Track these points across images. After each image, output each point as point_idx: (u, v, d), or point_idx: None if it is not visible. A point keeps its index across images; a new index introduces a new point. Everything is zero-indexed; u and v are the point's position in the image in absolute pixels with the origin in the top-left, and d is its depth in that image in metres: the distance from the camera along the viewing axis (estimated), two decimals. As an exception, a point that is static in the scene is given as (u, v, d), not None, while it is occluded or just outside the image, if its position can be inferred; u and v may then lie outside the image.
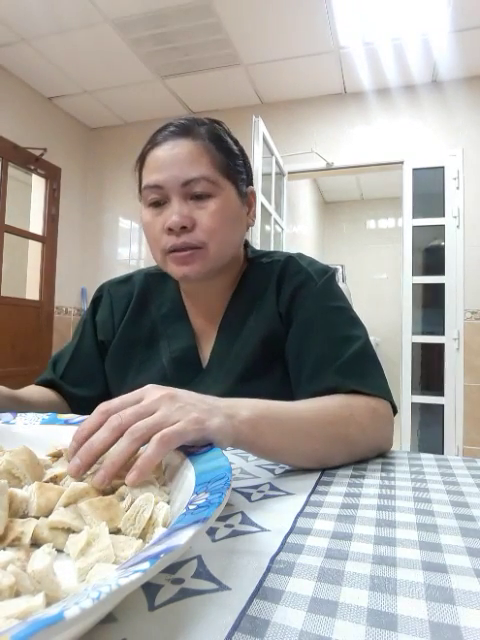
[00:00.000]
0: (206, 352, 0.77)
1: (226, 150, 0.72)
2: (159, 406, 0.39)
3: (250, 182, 0.78)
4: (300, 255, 0.80)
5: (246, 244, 0.83)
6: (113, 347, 0.82)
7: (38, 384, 0.83)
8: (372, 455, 0.59)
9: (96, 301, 0.87)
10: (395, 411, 0.67)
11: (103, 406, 0.40)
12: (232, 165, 0.72)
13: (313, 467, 0.54)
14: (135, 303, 0.83)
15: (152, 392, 0.41)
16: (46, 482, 0.37)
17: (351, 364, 0.65)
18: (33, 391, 0.77)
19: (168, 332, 0.79)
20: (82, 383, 0.82)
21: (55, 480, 0.38)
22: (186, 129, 0.70)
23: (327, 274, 0.75)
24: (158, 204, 0.70)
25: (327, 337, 0.68)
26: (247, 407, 0.47)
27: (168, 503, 0.34)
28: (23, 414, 0.54)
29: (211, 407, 0.42)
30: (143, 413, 0.38)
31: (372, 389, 0.63)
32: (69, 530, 0.31)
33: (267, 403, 0.50)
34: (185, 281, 0.74)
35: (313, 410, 0.54)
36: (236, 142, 0.76)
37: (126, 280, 0.87)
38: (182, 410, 0.39)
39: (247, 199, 0.76)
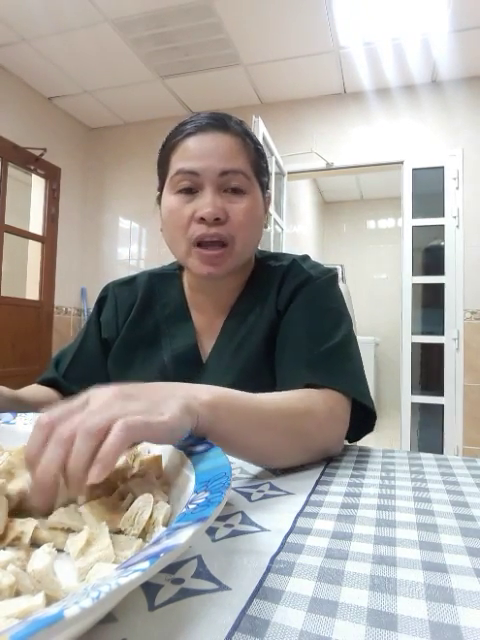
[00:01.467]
0: (207, 350, 0.77)
1: (258, 150, 0.73)
2: (111, 403, 0.35)
3: (268, 186, 0.79)
4: (305, 258, 0.80)
5: None
6: (116, 345, 0.82)
7: (40, 383, 0.83)
8: (322, 456, 0.58)
9: (101, 301, 0.88)
10: (372, 411, 0.65)
11: (44, 418, 0.33)
12: (261, 166, 0.73)
13: (265, 463, 0.53)
14: (139, 304, 0.83)
15: (98, 394, 0.37)
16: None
17: (321, 360, 0.64)
18: (35, 391, 0.77)
19: (171, 331, 0.80)
20: (84, 382, 0.81)
21: None
22: (222, 122, 0.70)
23: (326, 275, 0.76)
24: (188, 192, 0.68)
25: (307, 334, 0.68)
26: (207, 391, 0.45)
27: (168, 503, 0.34)
28: (23, 414, 0.54)
29: (168, 393, 0.40)
30: (93, 414, 0.34)
31: (336, 385, 0.61)
32: (69, 530, 0.31)
33: (225, 390, 0.49)
34: (208, 279, 0.72)
35: (273, 402, 0.53)
36: (261, 145, 0.77)
37: (130, 281, 0.87)
38: (135, 402, 0.36)
39: (265, 202, 0.77)
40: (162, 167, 0.75)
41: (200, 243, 0.68)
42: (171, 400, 0.38)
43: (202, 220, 0.66)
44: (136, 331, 0.81)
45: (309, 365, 0.64)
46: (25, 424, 0.51)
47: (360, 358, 0.69)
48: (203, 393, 0.44)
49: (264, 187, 0.75)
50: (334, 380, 0.62)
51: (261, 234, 0.77)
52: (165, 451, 0.41)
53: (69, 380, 0.82)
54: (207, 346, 0.78)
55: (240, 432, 0.47)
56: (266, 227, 0.79)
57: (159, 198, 0.76)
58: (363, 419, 0.66)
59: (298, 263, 0.78)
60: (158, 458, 0.40)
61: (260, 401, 0.52)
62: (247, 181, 0.69)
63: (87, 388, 0.39)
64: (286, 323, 0.72)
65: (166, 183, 0.72)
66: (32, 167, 3.45)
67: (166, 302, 0.82)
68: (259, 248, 0.84)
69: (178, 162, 0.69)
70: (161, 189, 0.75)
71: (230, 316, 0.77)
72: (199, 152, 0.67)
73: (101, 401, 0.35)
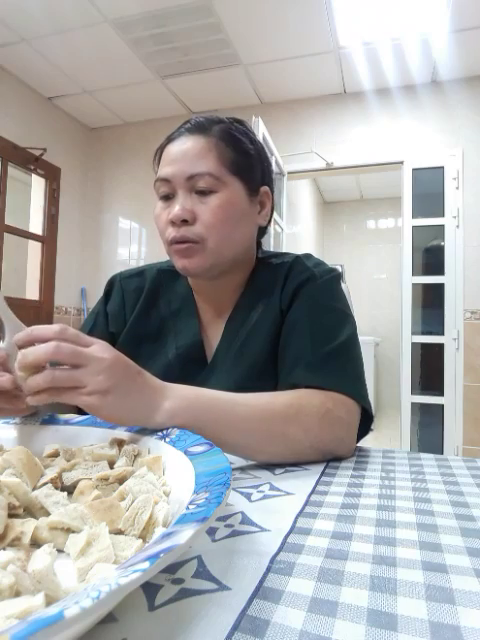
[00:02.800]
0: (212, 349, 0.77)
1: (237, 148, 0.72)
2: (89, 363, 0.43)
3: (266, 182, 0.77)
4: (308, 256, 0.80)
5: (258, 245, 0.83)
6: (121, 340, 0.82)
7: None
8: (322, 458, 0.58)
9: (108, 293, 0.87)
10: (369, 414, 0.65)
11: (60, 327, 0.44)
12: (243, 163, 0.72)
13: (252, 459, 0.56)
14: (146, 298, 0.83)
15: (99, 350, 0.45)
16: (45, 483, 0.37)
17: (322, 361, 0.64)
18: None
19: (176, 328, 0.80)
20: None
21: (55, 482, 0.38)
22: (200, 126, 0.71)
23: (330, 274, 0.75)
24: (168, 197, 0.71)
25: (309, 334, 0.68)
26: (174, 396, 0.49)
27: (168, 503, 0.34)
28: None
29: (132, 390, 0.46)
30: (77, 357, 0.43)
31: (338, 387, 0.61)
32: (69, 530, 0.31)
33: (198, 392, 0.52)
34: (186, 274, 0.74)
35: (251, 406, 0.54)
36: (253, 142, 0.76)
37: (138, 274, 0.87)
38: (101, 377, 0.43)
39: (259, 198, 0.76)
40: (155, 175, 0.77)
41: (174, 243, 0.70)
42: (128, 399, 0.46)
43: (173, 223, 0.69)
44: (142, 326, 0.81)
45: (311, 366, 0.64)
46: (24, 424, 0.51)
47: (362, 359, 0.69)
48: (167, 400, 0.49)
49: (253, 183, 0.74)
50: (336, 383, 0.62)
51: (250, 230, 0.75)
52: (165, 451, 0.42)
53: None
54: (212, 345, 0.78)
55: (208, 434, 0.47)
56: (263, 223, 0.78)
57: None
58: (361, 422, 0.65)
59: (301, 260, 0.77)
60: (158, 458, 0.41)
61: (238, 403, 0.54)
62: (215, 181, 0.69)
63: None
64: (289, 322, 0.72)
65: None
66: (32, 167, 3.45)
67: (172, 298, 0.82)
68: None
69: (159, 170, 0.72)
70: None
71: (232, 316, 0.77)
72: (171, 158, 0.70)
73: (95, 354, 0.44)
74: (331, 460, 0.58)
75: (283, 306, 0.74)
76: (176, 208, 0.68)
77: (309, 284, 0.73)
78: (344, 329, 0.69)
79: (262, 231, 0.81)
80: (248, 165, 0.73)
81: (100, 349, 0.45)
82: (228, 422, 0.51)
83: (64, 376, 0.43)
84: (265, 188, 0.77)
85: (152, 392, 0.48)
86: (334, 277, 0.76)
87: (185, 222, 0.68)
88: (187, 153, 0.69)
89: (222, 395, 0.53)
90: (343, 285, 0.78)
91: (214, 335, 0.78)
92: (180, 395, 0.50)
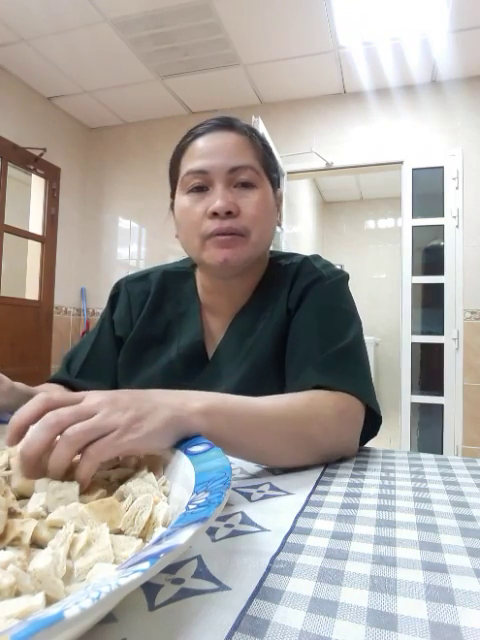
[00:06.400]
0: (216, 348, 0.77)
1: (265, 147, 0.74)
2: (98, 410, 0.37)
3: (279, 184, 0.79)
4: (316, 257, 0.80)
5: None
6: (128, 343, 0.81)
7: (51, 382, 0.82)
8: (334, 458, 0.58)
9: (114, 298, 0.87)
10: (378, 415, 0.65)
11: (43, 396, 0.38)
12: (270, 162, 0.74)
13: (271, 464, 0.53)
14: (152, 301, 0.83)
15: (92, 396, 0.39)
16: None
17: (332, 361, 0.64)
18: (49, 389, 0.77)
19: (180, 329, 0.80)
20: (99, 381, 0.81)
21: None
22: (229, 122, 0.72)
23: (338, 276, 0.76)
24: (199, 190, 0.70)
25: (317, 334, 0.68)
26: (200, 398, 0.45)
27: (168, 503, 0.34)
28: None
29: (156, 405, 0.41)
30: (81, 413, 0.37)
31: (348, 388, 0.61)
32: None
33: (224, 396, 0.49)
34: (223, 268, 0.70)
35: (275, 408, 0.53)
36: (266, 142, 0.77)
37: (143, 277, 0.86)
38: (120, 413, 0.38)
39: (277, 199, 0.77)
40: (173, 171, 0.76)
41: (214, 234, 0.69)
42: (159, 410, 0.40)
43: (214, 215, 0.67)
44: (148, 329, 0.81)
45: (320, 366, 0.63)
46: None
47: (368, 360, 0.69)
48: (195, 401, 0.45)
49: (274, 184, 0.76)
50: (346, 383, 0.61)
51: (274, 230, 0.77)
52: (165, 451, 0.41)
53: (83, 379, 0.80)
54: (214, 344, 0.77)
55: (239, 439, 0.48)
56: (280, 225, 0.79)
57: (172, 205, 0.76)
58: (368, 423, 0.65)
59: (310, 261, 0.78)
60: (158, 458, 0.40)
61: (261, 407, 0.51)
62: (256, 175, 0.70)
63: (101, 388, 0.40)
64: (296, 323, 0.72)
65: (178, 185, 0.73)
66: (32, 167, 3.45)
67: (178, 301, 0.82)
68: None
69: (187, 163, 0.71)
70: (173, 195, 0.76)
71: (238, 315, 0.77)
72: (207, 151, 0.69)
73: (91, 402, 0.38)
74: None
75: (290, 306, 0.74)
76: (218, 200, 0.67)
77: (317, 285, 0.73)
78: (352, 330, 0.69)
79: None
80: (273, 165, 0.76)
81: (93, 395, 0.40)
82: (258, 424, 0.49)
83: (86, 428, 0.36)
84: (279, 190, 0.79)
85: (174, 394, 0.46)
86: (342, 278, 0.76)
87: (229, 214, 0.67)
88: (226, 146, 0.69)
89: (243, 398, 0.51)
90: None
91: (218, 335, 0.78)
92: (204, 396, 0.47)
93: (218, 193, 0.67)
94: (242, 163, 0.68)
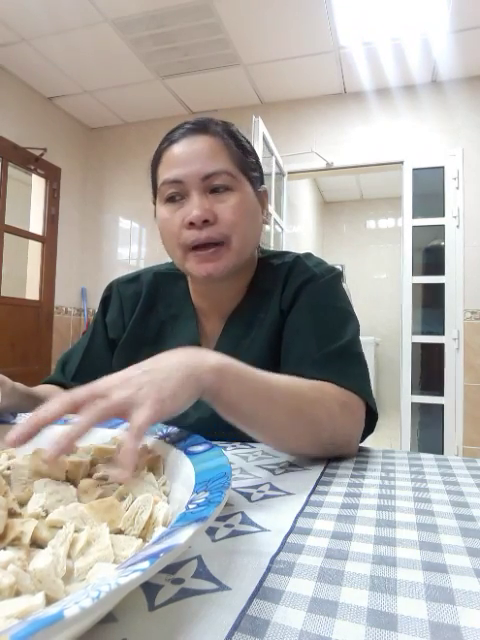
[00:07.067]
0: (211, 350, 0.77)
1: (242, 147, 0.72)
2: (113, 388, 0.39)
3: (262, 181, 0.78)
4: (308, 255, 0.80)
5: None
6: (121, 345, 0.81)
7: (47, 383, 0.82)
8: (335, 450, 0.58)
9: (105, 300, 0.87)
10: (375, 415, 0.65)
11: (67, 395, 0.40)
12: (247, 162, 0.72)
13: (272, 439, 0.54)
14: (143, 302, 0.82)
15: (107, 378, 0.42)
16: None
17: (330, 359, 0.64)
18: (47, 389, 0.77)
19: (174, 331, 0.79)
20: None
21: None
22: (202, 126, 0.70)
23: (331, 274, 0.75)
24: (176, 199, 0.69)
25: (314, 333, 0.68)
26: (215, 357, 0.47)
27: (168, 503, 0.34)
28: (24, 414, 0.54)
29: (171, 370, 0.42)
30: (96, 392, 0.39)
31: (348, 385, 0.61)
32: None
33: (236, 361, 0.50)
34: (208, 280, 0.71)
35: (284, 382, 0.54)
36: (248, 141, 0.76)
37: (134, 279, 0.86)
38: (138, 388, 0.39)
39: (260, 198, 0.76)
40: (152, 179, 0.75)
41: (195, 247, 0.68)
42: (174, 374, 0.41)
43: (191, 225, 0.67)
44: (141, 331, 0.81)
45: (318, 364, 0.63)
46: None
47: (365, 358, 0.69)
48: (212, 358, 0.46)
49: (256, 183, 0.75)
50: (346, 380, 0.62)
51: (259, 230, 0.75)
52: (165, 451, 0.41)
53: (77, 382, 0.81)
54: (209, 347, 0.77)
55: (247, 402, 0.48)
56: (266, 223, 0.78)
57: (155, 213, 0.76)
58: (365, 421, 0.65)
59: (302, 260, 0.77)
60: (158, 458, 0.41)
61: (271, 377, 0.52)
62: (232, 179, 0.68)
63: None
64: (291, 323, 0.71)
65: (157, 194, 0.73)
66: (32, 167, 3.45)
67: (170, 302, 0.81)
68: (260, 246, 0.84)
69: (164, 172, 0.70)
70: (155, 202, 0.75)
71: (231, 317, 0.77)
72: (180, 159, 0.68)
73: (106, 383, 0.40)
74: (332, 460, 0.58)
75: (283, 307, 0.74)
76: (194, 210, 0.66)
77: (310, 284, 0.73)
78: (348, 328, 0.69)
79: None
80: (252, 164, 0.74)
81: (105, 378, 0.42)
82: (266, 391, 0.50)
83: (111, 404, 0.38)
84: (263, 187, 0.78)
85: (193, 352, 0.47)
86: (335, 276, 0.75)
87: (206, 222, 0.66)
88: (200, 152, 0.68)
89: (255, 369, 0.52)
90: (343, 285, 0.78)
91: (213, 337, 0.78)
92: (221, 356, 0.48)
93: (194, 202, 0.66)
94: (216, 169, 0.67)
